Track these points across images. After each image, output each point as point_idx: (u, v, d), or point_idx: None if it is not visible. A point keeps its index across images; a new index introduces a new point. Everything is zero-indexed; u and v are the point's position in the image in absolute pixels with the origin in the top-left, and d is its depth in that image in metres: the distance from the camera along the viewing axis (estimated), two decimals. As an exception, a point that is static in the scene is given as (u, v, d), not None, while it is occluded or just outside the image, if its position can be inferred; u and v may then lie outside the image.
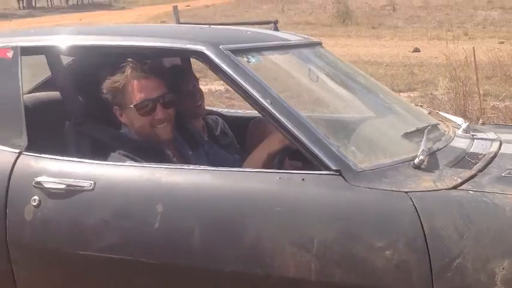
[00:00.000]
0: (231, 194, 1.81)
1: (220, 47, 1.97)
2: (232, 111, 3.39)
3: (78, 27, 2.34)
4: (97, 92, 2.18)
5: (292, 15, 18.63)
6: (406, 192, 1.67)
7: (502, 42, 11.09)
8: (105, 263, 1.89)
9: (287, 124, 1.81)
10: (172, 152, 2.21)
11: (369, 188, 1.70)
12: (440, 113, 2.74)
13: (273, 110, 1.84)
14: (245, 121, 2.94)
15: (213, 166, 2.00)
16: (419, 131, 2.06)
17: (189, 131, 2.45)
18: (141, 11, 23.92)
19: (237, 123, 2.98)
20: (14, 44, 2.17)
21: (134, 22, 19.03)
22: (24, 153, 2.05)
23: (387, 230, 1.64)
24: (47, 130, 2.17)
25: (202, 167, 1.92)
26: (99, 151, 2.16)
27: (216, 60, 1.94)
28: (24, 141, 2.06)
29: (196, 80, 2.77)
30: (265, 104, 1.85)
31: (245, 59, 1.99)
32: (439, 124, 2.27)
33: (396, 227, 1.63)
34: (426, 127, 2.09)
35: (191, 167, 1.94)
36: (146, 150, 2.12)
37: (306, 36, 2.60)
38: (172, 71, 2.62)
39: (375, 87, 2.53)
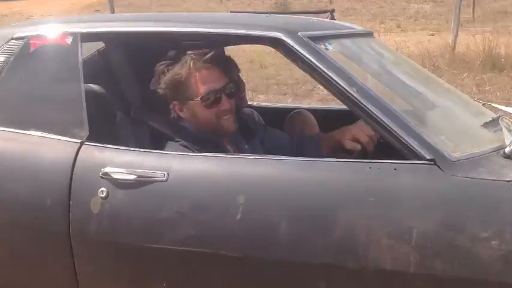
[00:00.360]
0: (319, 184, 1.74)
1: (298, 33, 1.90)
2: (263, 103, 3.32)
3: (144, 14, 2.24)
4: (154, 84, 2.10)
5: (231, 6, 18.42)
6: (508, 181, 1.61)
7: (433, 35, 11.25)
8: (180, 256, 1.80)
9: (375, 113, 1.74)
10: (232, 148, 2.13)
11: (467, 177, 1.64)
12: (492, 104, 2.71)
13: (359, 99, 1.77)
14: (276, 113, 2.87)
15: (270, 153, 1.95)
16: (494, 121, 2.01)
17: (241, 121, 2.37)
18: (74, 0, 23.18)
19: (268, 116, 2.91)
20: (73, 30, 2.07)
21: (68, 11, 18.70)
22: (86, 143, 1.95)
23: (492, 220, 1.57)
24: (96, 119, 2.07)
25: (285, 157, 1.84)
26: (158, 142, 2.08)
27: (296, 47, 1.86)
28: (85, 131, 1.96)
29: (239, 70, 2.69)
30: (351, 92, 1.78)
31: (323, 47, 1.93)
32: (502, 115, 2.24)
33: (502, 217, 1.57)
34: (499, 117, 2.05)
35: (272, 157, 1.86)
36: (206, 144, 2.04)
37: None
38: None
39: (431, 78, 2.48)
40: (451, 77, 7.35)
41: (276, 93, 7.48)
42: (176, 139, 2.06)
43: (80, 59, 2.03)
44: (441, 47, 8.66)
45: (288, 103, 6.59)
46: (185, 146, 2.01)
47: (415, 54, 8.39)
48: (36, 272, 1.96)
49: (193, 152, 1.98)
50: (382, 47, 2.42)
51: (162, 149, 2.02)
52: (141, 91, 2.19)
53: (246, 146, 2.20)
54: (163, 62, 2.09)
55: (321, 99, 7.06)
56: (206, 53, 2.04)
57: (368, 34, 2.44)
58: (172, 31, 2.03)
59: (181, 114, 2.08)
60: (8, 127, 2.04)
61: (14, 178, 1.95)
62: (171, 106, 2.09)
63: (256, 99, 7.01)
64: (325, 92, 7.32)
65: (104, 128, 2.13)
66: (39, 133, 2.00)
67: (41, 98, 2.06)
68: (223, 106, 2.04)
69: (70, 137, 1.97)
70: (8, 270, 1.98)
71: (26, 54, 2.10)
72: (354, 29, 2.33)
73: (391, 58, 2.34)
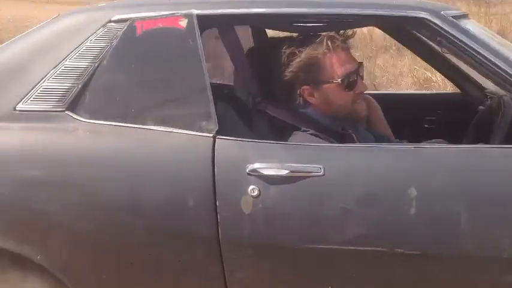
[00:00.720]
0: (499, 173, 1.66)
1: (441, 13, 1.81)
2: None
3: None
4: (277, 70, 1.94)
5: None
6: None
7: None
8: (348, 257, 1.68)
9: None
10: (355, 136, 2.01)
11: None
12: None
13: None
14: None
15: None
16: None
17: None
18: None
19: None
20: (187, 12, 1.86)
21: None
22: (219, 137, 1.76)
23: None
24: None
25: (454, 146, 1.75)
26: (281, 132, 1.93)
27: (444, 27, 1.78)
28: (214, 124, 1.77)
29: None
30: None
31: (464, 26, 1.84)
32: None
33: None
34: None
35: (437, 145, 1.77)
36: (333, 132, 1.91)
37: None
38: None
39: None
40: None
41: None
42: (303, 128, 1.91)
43: (200, 44, 1.83)
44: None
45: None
46: (315, 136, 1.88)
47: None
48: (180, 282, 1.77)
49: (324, 141, 1.85)
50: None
51: (286, 139, 1.88)
52: (258, 79, 2.01)
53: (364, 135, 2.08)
54: (290, 45, 1.93)
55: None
56: (339, 34, 1.91)
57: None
58: (305, 13, 1.86)
59: (311, 100, 1.93)
60: (119, 122, 1.81)
61: (147, 179, 1.73)
62: (299, 91, 1.93)
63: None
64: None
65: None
66: (160, 128, 1.79)
67: (158, 88, 1.84)
68: (359, 89, 1.92)
69: (198, 131, 1.77)
70: (147, 279, 1.78)
71: (133, 39, 1.86)
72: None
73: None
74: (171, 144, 1.78)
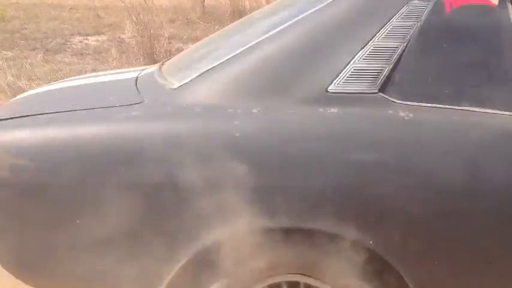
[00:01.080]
0: None
1: None
2: None
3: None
4: None
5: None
6: None
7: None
8: None
9: None
10: None
11: None
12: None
13: None
14: None
15: None
16: None
17: None
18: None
19: None
20: (499, -13, 1.81)
21: None
22: None
23: None
24: None
25: None
26: None
27: None
28: None
29: None
30: None
31: None
32: None
33: None
34: None
35: None
36: None
37: None
38: None
39: None
40: (204, 30, 7.61)
41: (24, 49, 7.12)
42: None
43: None
44: (191, 1, 8.75)
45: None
46: None
47: (167, 7, 8.52)
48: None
49: None
50: None
51: None
52: None
53: None
54: None
55: (75, 54, 6.96)
56: None
57: None
58: None
59: None
60: (433, 103, 1.77)
61: (485, 162, 1.69)
62: None
63: (2, 55, 6.71)
64: (79, 46, 7.15)
65: None
66: (479, 109, 1.75)
67: (473, 68, 1.79)
68: None
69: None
70: (481, 266, 1.75)
71: (441, 16, 1.81)
72: None
73: None
74: (499, 126, 1.74)
